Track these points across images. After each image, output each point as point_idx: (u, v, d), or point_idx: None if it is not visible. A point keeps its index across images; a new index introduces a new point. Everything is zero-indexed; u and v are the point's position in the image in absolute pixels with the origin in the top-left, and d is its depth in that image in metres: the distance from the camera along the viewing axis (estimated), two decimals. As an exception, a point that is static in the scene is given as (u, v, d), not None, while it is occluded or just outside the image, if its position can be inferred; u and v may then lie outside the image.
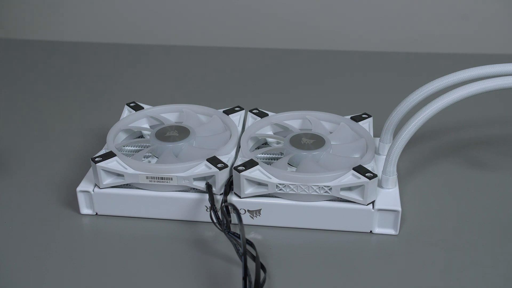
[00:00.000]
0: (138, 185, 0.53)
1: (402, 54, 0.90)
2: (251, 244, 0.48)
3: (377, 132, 0.59)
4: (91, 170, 0.55)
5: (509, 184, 0.58)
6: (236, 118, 0.60)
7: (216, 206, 0.51)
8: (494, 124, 0.69)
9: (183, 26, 0.99)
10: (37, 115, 0.72)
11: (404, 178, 0.59)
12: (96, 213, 0.54)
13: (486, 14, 0.94)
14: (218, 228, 0.49)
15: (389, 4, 0.95)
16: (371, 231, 0.51)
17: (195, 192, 0.53)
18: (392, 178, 0.52)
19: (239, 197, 0.51)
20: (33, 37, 0.98)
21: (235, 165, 0.51)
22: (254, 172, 0.51)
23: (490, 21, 0.94)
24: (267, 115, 0.60)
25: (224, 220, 0.49)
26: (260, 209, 0.52)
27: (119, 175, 0.53)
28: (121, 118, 0.60)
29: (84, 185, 0.54)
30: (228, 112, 0.60)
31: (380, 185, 0.53)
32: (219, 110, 0.61)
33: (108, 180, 0.53)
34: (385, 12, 0.96)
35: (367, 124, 0.59)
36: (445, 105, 0.51)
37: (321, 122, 0.59)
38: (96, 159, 0.52)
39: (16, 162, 0.62)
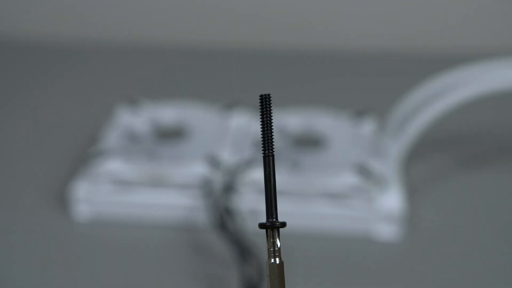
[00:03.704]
0: (138, 185, 0.53)
1: (402, 54, 0.90)
2: (251, 246, 0.48)
3: (378, 132, 0.59)
4: (89, 170, 0.55)
5: (509, 184, 0.58)
6: (236, 118, 0.60)
7: (216, 208, 0.51)
8: (495, 124, 0.69)
9: (183, 26, 0.98)
10: (34, 115, 0.72)
11: (405, 179, 0.58)
12: (95, 214, 0.54)
13: (487, 14, 0.94)
14: (218, 230, 0.49)
15: (390, 4, 0.95)
16: (371, 232, 0.51)
17: (195, 193, 0.52)
18: (393, 179, 0.52)
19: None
20: (32, 37, 0.98)
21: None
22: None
23: (490, 21, 0.94)
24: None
25: (224, 222, 0.49)
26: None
27: (118, 176, 0.52)
28: (119, 117, 0.60)
29: (82, 186, 0.53)
30: (228, 112, 0.60)
31: (381, 185, 0.53)
32: (219, 110, 0.61)
33: (107, 181, 0.53)
34: (385, 12, 0.96)
35: (367, 124, 0.58)
36: (450, 105, 0.51)
37: (321, 122, 0.59)
38: (95, 159, 0.52)
39: (12, 162, 0.62)
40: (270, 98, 0.31)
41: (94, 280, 0.47)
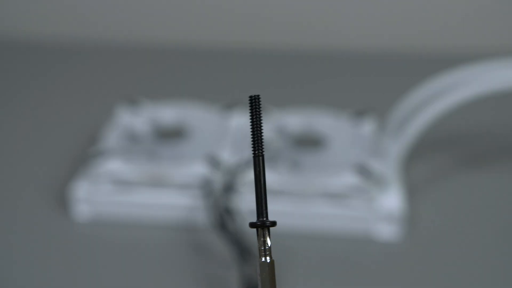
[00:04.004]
0: (138, 185, 0.53)
1: (402, 54, 0.90)
2: (251, 246, 0.48)
3: (378, 132, 0.59)
4: (89, 170, 0.55)
5: (509, 184, 0.58)
6: (236, 118, 0.60)
7: (216, 208, 0.51)
8: (495, 124, 0.69)
9: (183, 26, 0.98)
10: (34, 115, 0.72)
11: (405, 179, 0.58)
12: (95, 214, 0.54)
13: (487, 14, 0.94)
14: (218, 230, 0.49)
15: (390, 4, 0.95)
16: (371, 232, 0.51)
17: (195, 193, 0.52)
18: (393, 179, 0.52)
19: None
20: (32, 37, 0.98)
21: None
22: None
23: (490, 21, 0.94)
24: (266, 114, 0.60)
25: (224, 222, 0.49)
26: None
27: (118, 176, 0.52)
28: (119, 117, 0.60)
29: (82, 186, 0.53)
30: (228, 112, 0.60)
31: (381, 185, 0.53)
32: (219, 110, 0.61)
33: (107, 181, 0.53)
34: (385, 12, 0.96)
35: (367, 124, 0.59)
36: (450, 105, 0.51)
37: (321, 121, 0.59)
38: (95, 159, 0.52)
39: (12, 162, 0.62)
40: (260, 99, 0.31)
41: (94, 280, 0.47)
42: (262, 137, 0.31)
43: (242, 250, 0.46)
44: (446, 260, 0.49)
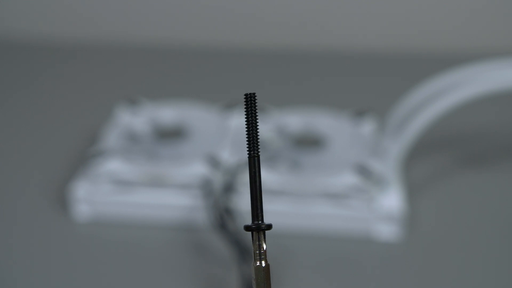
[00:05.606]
0: (138, 185, 0.53)
1: (402, 54, 0.90)
2: (251, 246, 0.48)
3: (378, 132, 0.59)
4: (89, 170, 0.55)
5: (509, 184, 0.58)
6: (236, 118, 0.60)
7: (216, 208, 0.51)
8: (495, 124, 0.69)
9: (183, 26, 0.98)
10: (34, 115, 0.72)
11: (405, 179, 0.58)
12: (95, 214, 0.54)
13: (487, 14, 0.94)
14: (218, 230, 0.49)
15: (390, 4, 0.95)
16: (371, 232, 0.51)
17: (195, 193, 0.52)
18: (393, 179, 0.52)
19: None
20: (32, 37, 0.98)
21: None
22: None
23: (490, 21, 0.94)
24: (267, 114, 0.60)
25: (224, 222, 0.49)
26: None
27: (118, 176, 0.52)
28: (119, 117, 0.60)
29: (82, 186, 0.53)
30: (228, 112, 0.60)
31: (380, 185, 0.53)
32: (219, 110, 0.61)
33: (107, 181, 0.53)
34: (385, 12, 0.96)
35: (367, 124, 0.59)
36: (450, 105, 0.51)
37: (321, 121, 0.59)
38: (95, 159, 0.52)
39: (12, 162, 0.62)
40: (256, 97, 0.30)
41: (94, 280, 0.47)
42: (258, 137, 0.30)
43: (242, 250, 0.46)
44: (446, 260, 0.49)
